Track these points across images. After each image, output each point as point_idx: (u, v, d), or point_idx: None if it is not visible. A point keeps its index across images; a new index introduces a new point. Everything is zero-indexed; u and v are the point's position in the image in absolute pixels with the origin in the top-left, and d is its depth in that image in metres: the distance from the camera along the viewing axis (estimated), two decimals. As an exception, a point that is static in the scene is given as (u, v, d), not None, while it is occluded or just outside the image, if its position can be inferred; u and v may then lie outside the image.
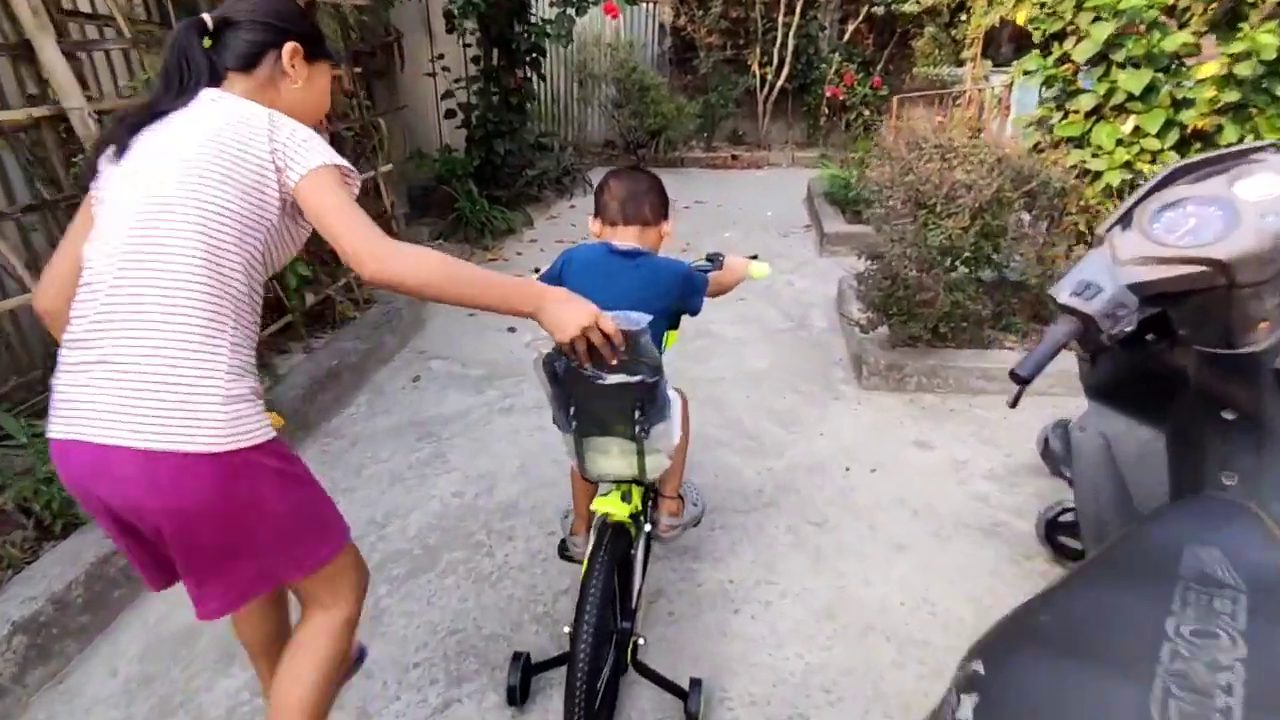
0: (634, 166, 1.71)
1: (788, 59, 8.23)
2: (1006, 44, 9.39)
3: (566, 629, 1.46)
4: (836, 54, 8.43)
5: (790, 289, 4.51)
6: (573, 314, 1.20)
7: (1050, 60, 3.29)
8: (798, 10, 7.99)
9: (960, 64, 7.25)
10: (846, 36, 8.56)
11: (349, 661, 1.47)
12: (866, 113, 8.26)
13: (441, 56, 5.44)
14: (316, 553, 1.23)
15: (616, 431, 1.48)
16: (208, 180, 1.08)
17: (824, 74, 8.34)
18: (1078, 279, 1.21)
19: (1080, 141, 3.17)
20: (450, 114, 5.53)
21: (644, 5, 8.51)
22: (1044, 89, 3.37)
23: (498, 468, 2.68)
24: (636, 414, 1.42)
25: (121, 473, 1.04)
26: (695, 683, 1.68)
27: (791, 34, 8.11)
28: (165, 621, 1.96)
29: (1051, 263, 3.05)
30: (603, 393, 1.38)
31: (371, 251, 1.07)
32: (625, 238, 1.62)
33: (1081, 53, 3.05)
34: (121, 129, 1.16)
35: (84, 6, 2.73)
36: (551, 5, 5.61)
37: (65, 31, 2.44)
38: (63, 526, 2.01)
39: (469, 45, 5.41)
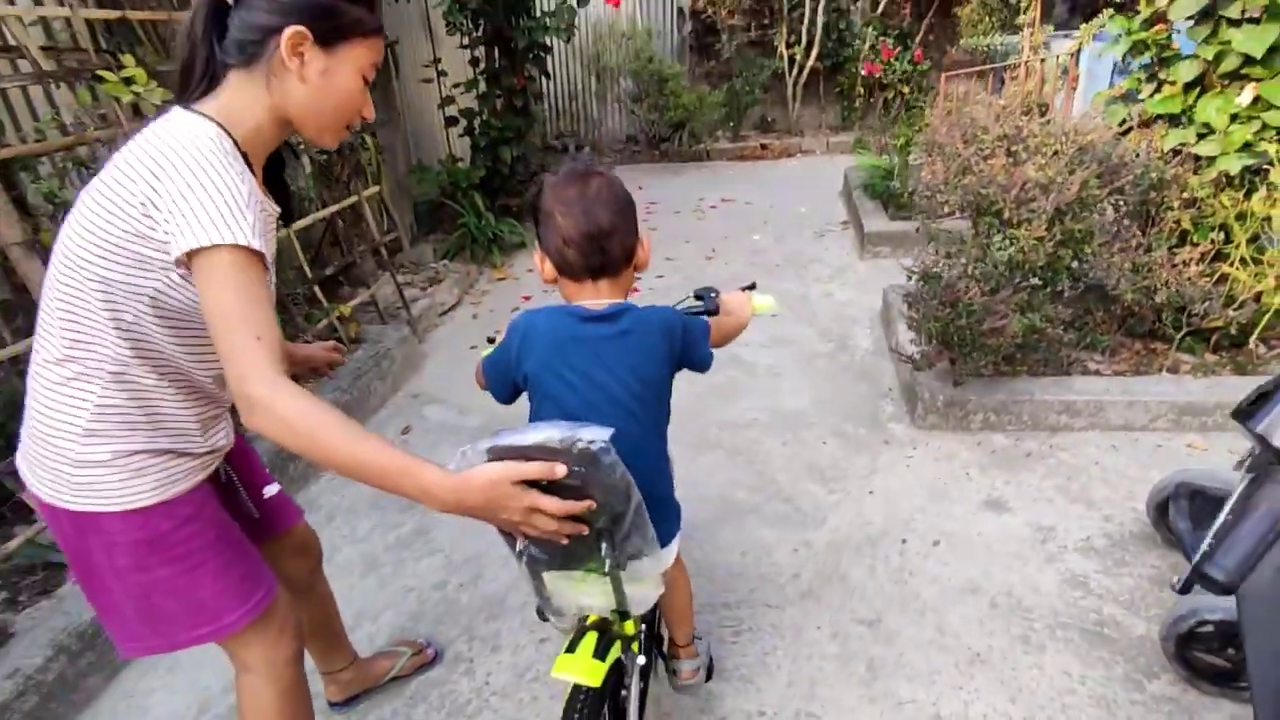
0: (584, 173, 1.21)
1: (817, 36, 7.59)
2: (1060, 2, 8.55)
3: None
4: (870, 27, 7.76)
5: (829, 301, 4.00)
6: (486, 513, 0.95)
7: (1136, 22, 2.70)
8: (826, -18, 7.36)
9: (1014, 30, 6.51)
10: (881, 8, 7.88)
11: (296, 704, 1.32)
12: (906, 90, 7.59)
13: (438, 60, 5.06)
14: (179, 634, 1.14)
15: (575, 566, 1.13)
16: (77, 227, 0.97)
17: (858, 50, 7.68)
18: None
19: (1179, 120, 2.58)
20: (452, 121, 5.15)
21: (661, -11, 7.98)
22: (1128, 57, 2.78)
23: (485, 549, 2.28)
24: (602, 548, 1.06)
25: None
26: None
27: (820, 8, 7.48)
28: None
29: (1148, 271, 2.49)
30: None
31: (259, 397, 0.88)
32: (598, 295, 1.19)
33: (1181, 9, 2.46)
34: None
35: None
36: (553, -4, 5.16)
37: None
38: None
39: (466, 46, 5.01)
